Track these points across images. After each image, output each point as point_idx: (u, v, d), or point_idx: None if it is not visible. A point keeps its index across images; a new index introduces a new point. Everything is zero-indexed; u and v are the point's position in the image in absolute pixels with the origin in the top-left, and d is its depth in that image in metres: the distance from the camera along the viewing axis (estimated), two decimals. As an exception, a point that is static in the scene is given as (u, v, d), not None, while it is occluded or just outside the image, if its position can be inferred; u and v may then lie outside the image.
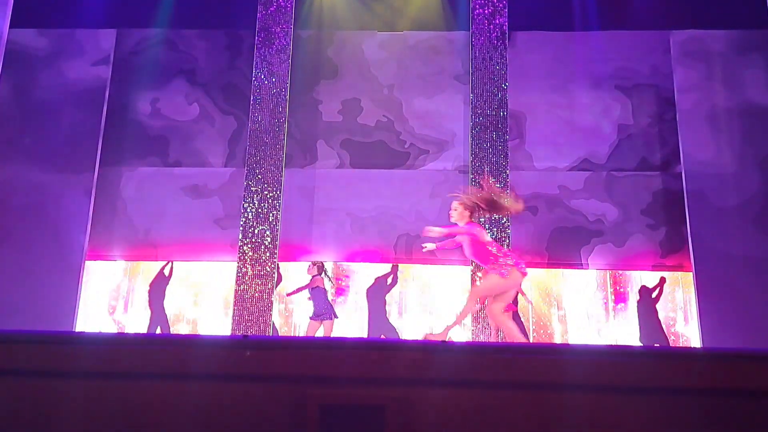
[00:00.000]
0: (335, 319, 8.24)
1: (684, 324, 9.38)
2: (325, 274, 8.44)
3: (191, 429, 1.87)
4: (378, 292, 9.70)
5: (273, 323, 9.42)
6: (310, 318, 8.27)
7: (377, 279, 9.79)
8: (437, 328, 7.63)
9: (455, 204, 5.74)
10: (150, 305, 9.71)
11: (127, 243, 10.01)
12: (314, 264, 8.43)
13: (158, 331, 9.57)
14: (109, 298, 9.88)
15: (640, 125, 10.13)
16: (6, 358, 1.92)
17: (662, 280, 9.52)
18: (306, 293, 8.46)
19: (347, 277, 9.72)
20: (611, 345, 8.32)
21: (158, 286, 9.82)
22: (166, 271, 9.85)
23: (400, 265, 9.85)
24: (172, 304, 9.77)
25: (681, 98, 9.98)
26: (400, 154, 10.22)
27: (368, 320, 9.59)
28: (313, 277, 8.30)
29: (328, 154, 10.29)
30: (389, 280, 9.76)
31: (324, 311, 8.16)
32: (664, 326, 9.35)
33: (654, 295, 9.44)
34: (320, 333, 8.15)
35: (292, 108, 10.22)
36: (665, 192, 9.85)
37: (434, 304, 9.70)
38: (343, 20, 10.74)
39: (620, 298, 9.54)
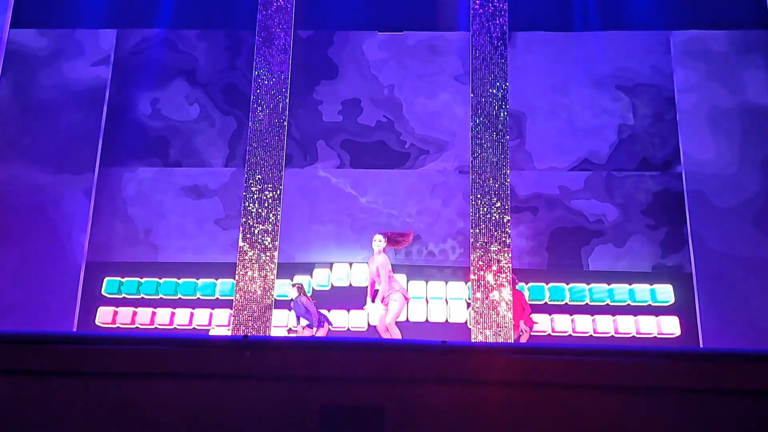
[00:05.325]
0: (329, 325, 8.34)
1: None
2: (304, 293, 8.52)
3: (191, 429, 1.87)
4: None
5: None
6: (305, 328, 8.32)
7: None
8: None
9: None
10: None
11: (127, 243, 10.00)
12: (294, 285, 8.56)
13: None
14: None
15: (641, 125, 10.13)
16: (6, 358, 1.92)
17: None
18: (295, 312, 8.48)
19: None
20: (611, 345, 8.33)
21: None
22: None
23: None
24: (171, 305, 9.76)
25: (681, 98, 9.98)
26: (400, 154, 10.22)
27: None
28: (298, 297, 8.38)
29: (328, 154, 10.29)
30: None
31: (314, 319, 8.28)
32: None
33: None
34: None
35: (292, 108, 10.21)
36: (665, 192, 9.84)
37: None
38: (343, 20, 10.73)
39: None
